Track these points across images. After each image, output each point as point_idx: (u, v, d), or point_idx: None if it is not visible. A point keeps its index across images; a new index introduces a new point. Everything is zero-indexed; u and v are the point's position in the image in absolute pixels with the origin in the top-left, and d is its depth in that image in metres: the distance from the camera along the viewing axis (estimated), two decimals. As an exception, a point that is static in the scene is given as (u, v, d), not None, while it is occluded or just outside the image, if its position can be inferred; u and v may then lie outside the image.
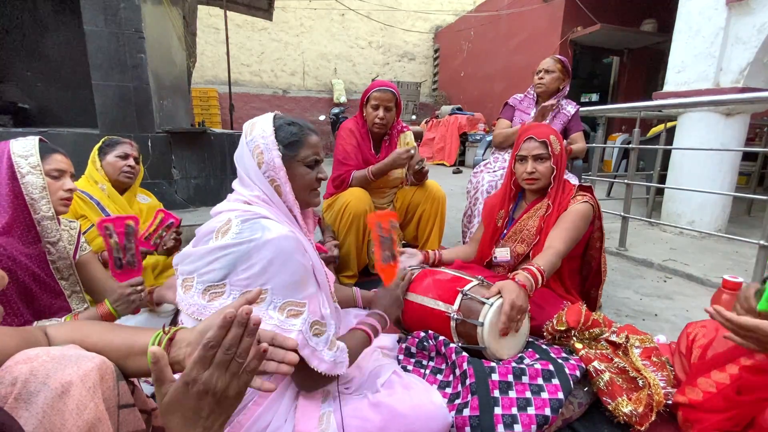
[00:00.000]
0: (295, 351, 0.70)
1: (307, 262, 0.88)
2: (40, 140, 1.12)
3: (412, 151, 1.98)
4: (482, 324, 1.19)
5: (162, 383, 0.56)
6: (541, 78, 2.31)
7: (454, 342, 1.25)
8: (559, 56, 2.33)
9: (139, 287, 1.12)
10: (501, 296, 1.23)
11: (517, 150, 1.57)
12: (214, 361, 0.55)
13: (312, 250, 0.96)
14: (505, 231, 1.63)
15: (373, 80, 6.21)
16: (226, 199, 0.97)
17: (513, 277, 1.22)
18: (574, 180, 1.92)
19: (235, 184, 0.98)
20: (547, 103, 2.20)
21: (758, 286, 0.91)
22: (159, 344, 0.66)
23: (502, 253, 1.60)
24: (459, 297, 1.28)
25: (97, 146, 1.70)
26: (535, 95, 2.40)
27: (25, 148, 1.07)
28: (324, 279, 0.97)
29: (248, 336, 0.57)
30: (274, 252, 0.82)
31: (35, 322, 1.03)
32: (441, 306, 1.30)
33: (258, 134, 0.92)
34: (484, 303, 1.22)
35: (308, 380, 0.89)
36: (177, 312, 1.43)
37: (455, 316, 1.25)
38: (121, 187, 1.71)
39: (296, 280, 0.84)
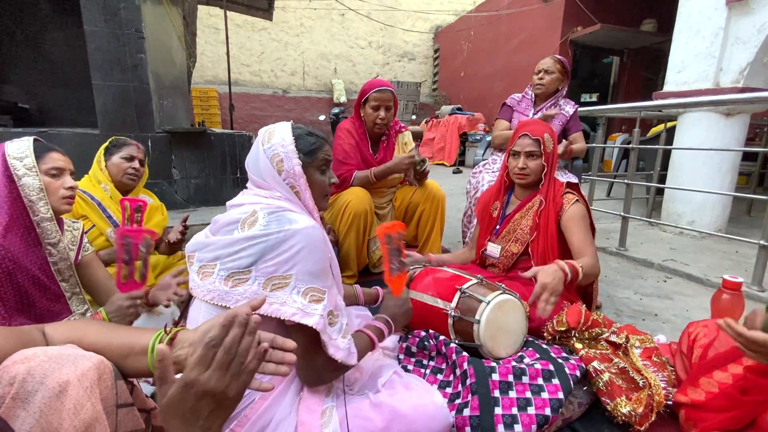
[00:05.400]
0: (294, 351, 0.70)
1: (329, 253, 0.92)
2: (35, 140, 1.10)
3: (416, 158, 2.00)
4: (478, 321, 1.19)
5: (164, 382, 0.55)
6: (540, 78, 2.27)
7: (451, 339, 1.25)
8: (558, 56, 2.29)
9: (138, 301, 1.11)
10: (499, 294, 1.23)
11: (512, 144, 1.61)
12: (214, 362, 0.55)
13: (330, 245, 0.99)
14: (498, 226, 1.65)
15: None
16: (242, 193, 0.99)
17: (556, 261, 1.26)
18: (574, 180, 1.92)
19: (250, 185, 1.00)
20: (550, 113, 2.21)
21: (765, 315, 0.90)
22: (161, 343, 0.65)
23: (492, 249, 1.62)
24: (457, 294, 1.28)
25: (103, 146, 1.69)
26: (533, 96, 2.37)
27: (19, 150, 1.06)
28: (338, 273, 1.01)
29: (248, 335, 0.57)
30: (303, 241, 0.85)
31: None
32: (440, 303, 1.31)
33: (277, 142, 0.95)
34: (481, 301, 1.22)
35: (324, 369, 0.89)
36: (181, 313, 1.42)
37: (453, 314, 1.26)
38: (124, 189, 1.70)
39: (319, 269, 0.87)
